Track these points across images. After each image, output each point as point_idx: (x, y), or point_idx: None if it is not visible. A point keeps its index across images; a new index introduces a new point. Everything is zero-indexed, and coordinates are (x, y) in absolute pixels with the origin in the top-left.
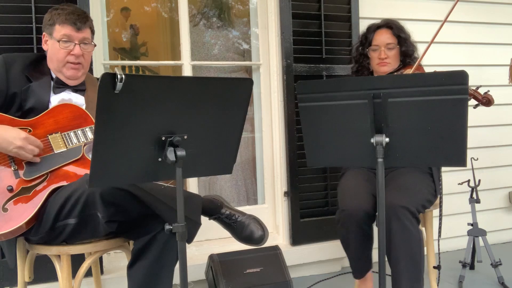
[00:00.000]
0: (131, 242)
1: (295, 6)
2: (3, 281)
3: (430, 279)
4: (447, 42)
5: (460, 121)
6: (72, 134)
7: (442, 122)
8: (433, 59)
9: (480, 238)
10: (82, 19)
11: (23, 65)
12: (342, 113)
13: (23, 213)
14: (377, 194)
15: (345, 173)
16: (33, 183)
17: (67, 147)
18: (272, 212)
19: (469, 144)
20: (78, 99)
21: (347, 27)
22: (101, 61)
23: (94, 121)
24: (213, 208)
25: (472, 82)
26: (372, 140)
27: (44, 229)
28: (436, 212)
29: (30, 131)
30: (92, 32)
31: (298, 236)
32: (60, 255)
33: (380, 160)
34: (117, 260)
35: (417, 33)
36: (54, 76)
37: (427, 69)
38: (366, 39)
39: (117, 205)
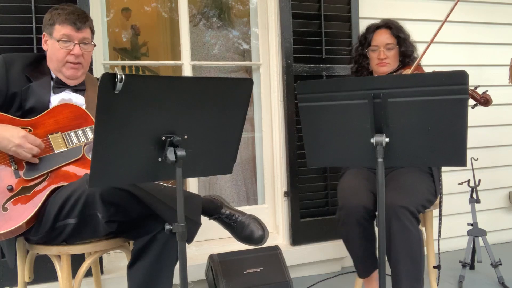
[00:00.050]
0: (131, 242)
1: (295, 6)
2: (3, 281)
3: (430, 279)
4: (447, 42)
5: (460, 121)
6: (72, 134)
7: (442, 122)
8: (433, 59)
9: (480, 238)
10: (82, 19)
11: (23, 65)
12: (342, 113)
13: (23, 212)
14: (377, 194)
15: (345, 173)
16: (33, 182)
17: (67, 147)
18: (272, 212)
19: (469, 144)
20: (78, 99)
21: (347, 27)
22: (101, 61)
23: (94, 121)
24: (213, 208)
25: (472, 82)
26: (372, 140)
27: (44, 229)
28: (436, 212)
29: (30, 131)
30: (92, 32)
31: (298, 236)
32: (60, 255)
33: (380, 160)
34: (117, 260)
35: (417, 33)
36: (54, 76)
37: (427, 69)
38: (366, 39)
39: (117, 205)
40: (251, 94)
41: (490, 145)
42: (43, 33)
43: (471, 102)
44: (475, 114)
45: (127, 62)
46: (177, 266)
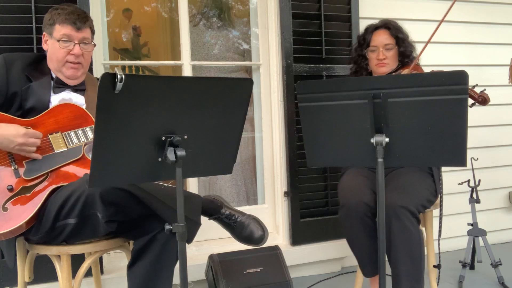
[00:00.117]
0: (131, 242)
1: (295, 6)
2: (3, 281)
3: (430, 279)
4: (446, 42)
5: (460, 121)
6: (72, 134)
7: (442, 122)
8: (433, 59)
9: (480, 238)
10: (82, 19)
11: (23, 64)
12: (342, 113)
13: (23, 212)
14: (377, 194)
15: (345, 172)
16: (33, 182)
17: (67, 147)
18: (272, 212)
19: (469, 144)
20: (78, 99)
21: (347, 27)
22: (101, 61)
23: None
24: (213, 208)
25: (472, 82)
26: (372, 140)
27: (44, 228)
28: (436, 212)
29: None
30: (92, 32)
31: (298, 236)
32: (60, 255)
33: (380, 160)
34: (117, 260)
35: (417, 33)
36: (54, 76)
37: (428, 69)
38: (364, 40)
39: (117, 205)
40: (251, 94)
41: (490, 145)
42: (43, 33)
43: (469, 101)
44: (475, 114)
45: (127, 62)
46: (177, 266)
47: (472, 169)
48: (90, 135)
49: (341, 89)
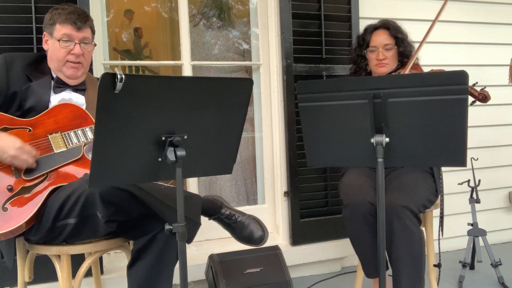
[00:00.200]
0: (131, 242)
1: (295, 6)
2: (3, 281)
3: (430, 279)
4: (446, 42)
5: (460, 121)
6: (72, 134)
7: (442, 122)
8: (433, 59)
9: (480, 238)
10: (82, 19)
11: (24, 64)
12: (342, 113)
13: (23, 212)
14: (377, 194)
15: (346, 172)
16: (33, 182)
17: (67, 147)
18: (272, 212)
19: (469, 144)
20: (78, 99)
21: (347, 27)
22: (101, 61)
23: (94, 121)
24: (213, 208)
25: (472, 81)
26: (372, 140)
27: (44, 228)
28: (436, 212)
29: (30, 130)
30: (93, 32)
31: (298, 236)
32: (60, 255)
33: (380, 160)
34: (117, 260)
35: (417, 33)
36: (54, 75)
37: (428, 69)
38: (364, 40)
39: (117, 205)
40: (251, 94)
41: (490, 145)
42: (44, 32)
43: (469, 99)
44: (475, 114)
45: (127, 62)
46: (177, 266)
47: (472, 169)
48: (90, 135)
49: (341, 89)
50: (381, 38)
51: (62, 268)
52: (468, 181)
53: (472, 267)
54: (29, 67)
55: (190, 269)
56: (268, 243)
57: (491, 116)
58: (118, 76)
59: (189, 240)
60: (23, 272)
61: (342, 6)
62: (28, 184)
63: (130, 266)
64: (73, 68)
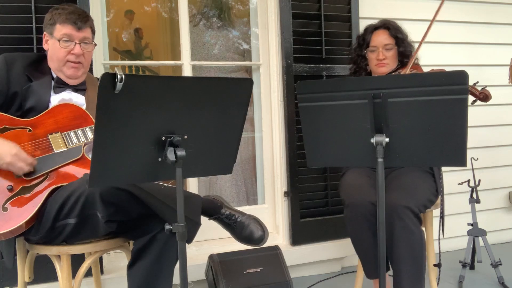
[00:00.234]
0: (131, 242)
1: (295, 6)
2: (3, 281)
3: (430, 279)
4: (446, 42)
5: (460, 121)
6: (72, 134)
7: (442, 122)
8: (433, 59)
9: (480, 238)
10: (82, 19)
11: (24, 64)
12: (342, 113)
13: (23, 212)
14: (377, 194)
15: (346, 172)
16: (33, 182)
17: (67, 147)
18: (272, 212)
19: (469, 144)
20: (78, 99)
21: (347, 27)
22: (101, 61)
23: (94, 121)
24: (213, 208)
25: (472, 82)
26: (372, 140)
27: (44, 228)
28: (436, 212)
29: (30, 130)
30: (93, 31)
31: (298, 236)
32: (60, 255)
33: (380, 160)
34: (117, 260)
35: (417, 33)
36: (54, 75)
37: (428, 69)
38: (364, 40)
39: (117, 205)
40: (251, 94)
41: (490, 145)
42: (44, 32)
43: (470, 98)
44: (475, 114)
45: (127, 62)
46: (177, 266)
47: (472, 169)
48: (90, 135)
49: (341, 89)
50: (381, 38)
51: (62, 268)
52: (468, 181)
53: (472, 267)
54: (30, 67)
55: (190, 269)
56: (268, 243)
57: (491, 116)
58: (118, 76)
59: (189, 240)
60: (23, 272)
61: (342, 6)
62: (28, 184)
63: (130, 266)
64: (74, 68)
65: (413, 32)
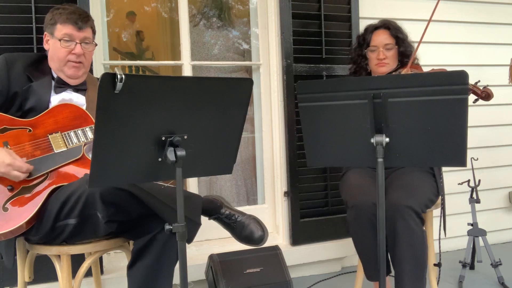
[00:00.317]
0: (131, 242)
1: (295, 6)
2: (3, 281)
3: (430, 278)
4: (446, 42)
5: (460, 121)
6: (72, 134)
7: (442, 122)
8: (433, 59)
9: (480, 238)
10: (83, 19)
11: (24, 64)
12: (342, 113)
13: (23, 212)
14: (377, 194)
15: (346, 172)
16: (34, 182)
17: (67, 147)
18: (272, 212)
19: (469, 144)
20: (79, 99)
21: (347, 27)
22: (101, 61)
23: (94, 121)
24: (213, 208)
25: (472, 82)
26: (372, 140)
27: (44, 229)
28: (436, 211)
29: (30, 130)
30: (94, 31)
31: (298, 236)
32: (60, 255)
33: (380, 160)
34: (117, 260)
35: (417, 33)
36: (55, 75)
37: (428, 69)
38: (364, 40)
39: (117, 205)
40: (251, 94)
41: (490, 145)
42: (45, 32)
43: (472, 97)
44: (475, 114)
45: (127, 62)
46: (177, 266)
47: (472, 169)
48: (90, 135)
49: (341, 89)
50: (381, 38)
51: (62, 268)
52: (468, 181)
53: (472, 267)
54: (30, 67)
55: (190, 269)
56: (268, 243)
57: (491, 116)
58: (118, 76)
59: (189, 240)
60: (23, 272)
61: (342, 6)
62: (28, 184)
63: (130, 266)
64: (74, 68)
65: (413, 32)
